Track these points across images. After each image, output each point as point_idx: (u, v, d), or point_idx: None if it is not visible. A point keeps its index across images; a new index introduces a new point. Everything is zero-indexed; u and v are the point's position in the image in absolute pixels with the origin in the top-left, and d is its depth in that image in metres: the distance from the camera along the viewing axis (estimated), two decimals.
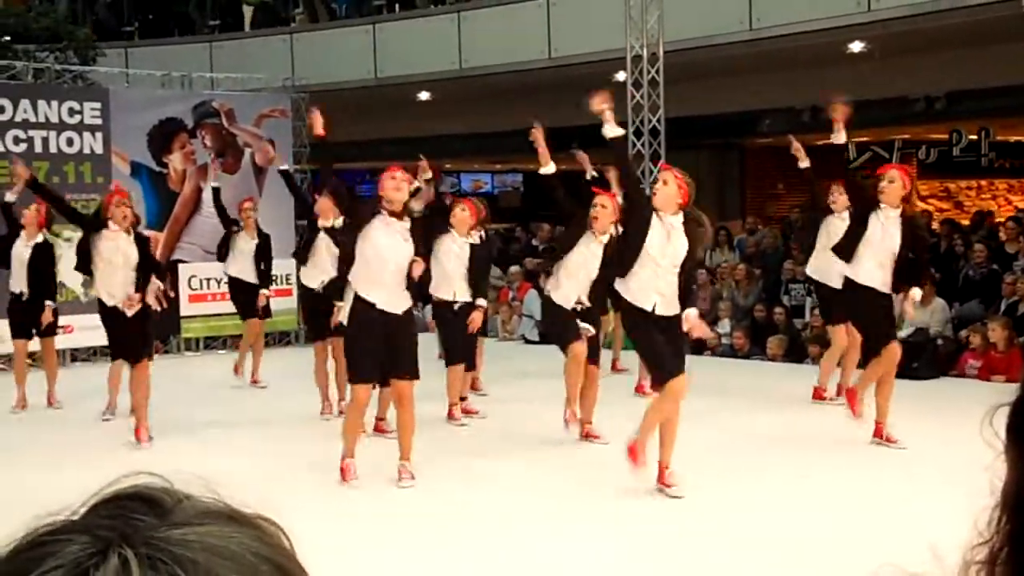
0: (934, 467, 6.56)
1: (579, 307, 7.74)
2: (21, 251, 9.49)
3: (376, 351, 6.53)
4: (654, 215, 6.15)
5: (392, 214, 6.51)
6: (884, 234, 7.28)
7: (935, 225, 14.95)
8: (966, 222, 15.68)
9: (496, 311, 13.97)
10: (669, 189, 6.19)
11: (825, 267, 8.52)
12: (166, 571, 0.62)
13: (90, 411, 9.15)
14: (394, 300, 6.54)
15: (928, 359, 10.20)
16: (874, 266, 7.32)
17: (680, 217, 6.18)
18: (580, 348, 7.61)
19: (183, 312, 12.53)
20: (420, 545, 5.53)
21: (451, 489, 6.59)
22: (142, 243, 8.14)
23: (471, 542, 5.58)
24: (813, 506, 6.12)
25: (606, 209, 7.71)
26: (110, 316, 7.99)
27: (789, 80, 15.35)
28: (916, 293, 7.54)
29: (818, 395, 8.94)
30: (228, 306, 12.02)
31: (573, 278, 7.74)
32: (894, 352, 7.36)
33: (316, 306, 8.75)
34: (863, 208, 7.52)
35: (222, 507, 0.69)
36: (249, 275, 10.62)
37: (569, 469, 6.95)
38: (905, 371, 7.87)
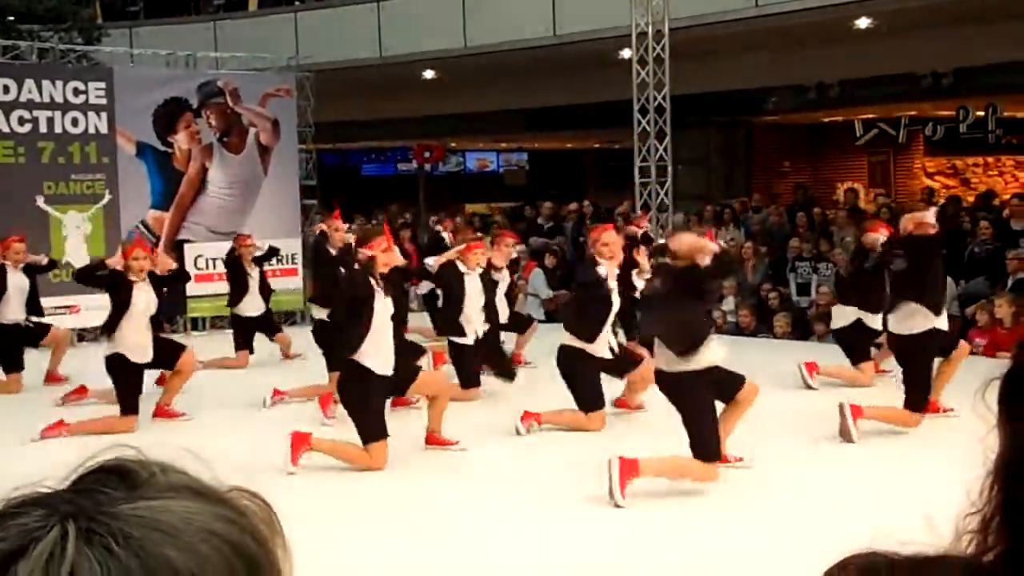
0: (937, 442, 6.57)
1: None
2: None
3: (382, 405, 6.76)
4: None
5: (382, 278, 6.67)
6: None
7: (940, 200, 14.93)
8: (972, 199, 15.65)
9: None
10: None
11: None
12: (99, 543, 0.64)
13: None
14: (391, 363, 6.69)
15: None
16: None
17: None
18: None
19: (189, 292, 12.54)
20: (401, 530, 5.55)
21: (437, 476, 6.61)
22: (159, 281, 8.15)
23: (459, 529, 5.61)
24: (811, 480, 6.16)
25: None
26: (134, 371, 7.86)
27: (795, 57, 15.30)
28: None
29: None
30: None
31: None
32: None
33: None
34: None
35: (191, 482, 0.70)
36: None
37: (559, 457, 6.96)
38: None
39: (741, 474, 6.23)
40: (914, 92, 15.82)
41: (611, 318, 7.55)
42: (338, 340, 6.93)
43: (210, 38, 16.73)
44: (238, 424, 7.98)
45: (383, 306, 6.60)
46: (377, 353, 6.55)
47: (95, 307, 11.51)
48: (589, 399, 7.46)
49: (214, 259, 12.85)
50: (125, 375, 7.80)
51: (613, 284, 7.54)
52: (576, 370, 7.49)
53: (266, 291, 10.68)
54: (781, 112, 18.01)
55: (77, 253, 12.03)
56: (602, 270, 7.37)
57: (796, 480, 6.19)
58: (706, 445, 5.77)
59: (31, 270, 9.90)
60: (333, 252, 9.34)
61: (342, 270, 7.69)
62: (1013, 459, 0.83)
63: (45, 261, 10.27)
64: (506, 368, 8.91)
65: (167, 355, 8.10)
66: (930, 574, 0.82)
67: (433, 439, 7.08)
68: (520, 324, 10.19)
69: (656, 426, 6.99)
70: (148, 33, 17.32)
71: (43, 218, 12.12)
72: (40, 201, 9.65)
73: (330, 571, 4.62)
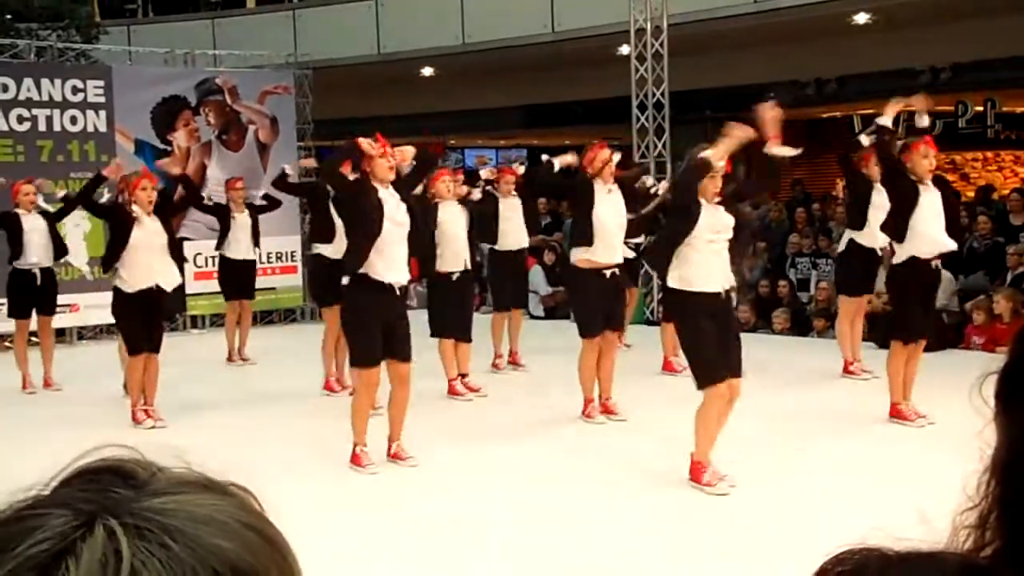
0: (933, 437, 6.59)
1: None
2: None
3: (378, 331, 6.38)
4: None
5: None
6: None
7: None
8: (972, 194, 15.63)
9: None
10: None
11: None
12: (155, 540, 0.62)
13: (98, 391, 9.16)
14: (401, 273, 6.41)
15: (933, 332, 10.18)
16: None
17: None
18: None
19: (189, 290, 12.54)
20: (420, 531, 5.56)
21: (452, 473, 6.59)
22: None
23: (471, 529, 5.61)
24: (805, 474, 6.18)
25: None
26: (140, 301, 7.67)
27: (794, 52, 15.29)
28: None
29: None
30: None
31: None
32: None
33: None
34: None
35: (197, 476, 0.69)
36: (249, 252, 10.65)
37: (573, 452, 6.96)
38: None
39: (735, 469, 6.23)
40: (912, 87, 15.75)
41: None
42: (344, 255, 6.59)
43: (208, 36, 16.71)
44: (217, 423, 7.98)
45: (393, 214, 6.30)
46: (387, 266, 6.26)
47: (94, 305, 11.53)
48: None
49: (213, 257, 12.84)
50: (126, 313, 7.72)
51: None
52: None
53: (256, 237, 10.64)
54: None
55: (76, 252, 12.02)
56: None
57: (790, 475, 6.19)
58: (696, 370, 5.84)
59: (47, 214, 9.58)
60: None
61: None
62: (1010, 454, 0.83)
63: (59, 193, 9.98)
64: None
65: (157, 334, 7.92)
66: (925, 570, 0.82)
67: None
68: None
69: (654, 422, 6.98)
70: (146, 31, 17.30)
71: None
72: (40, 199, 9.60)
73: (327, 563, 4.62)
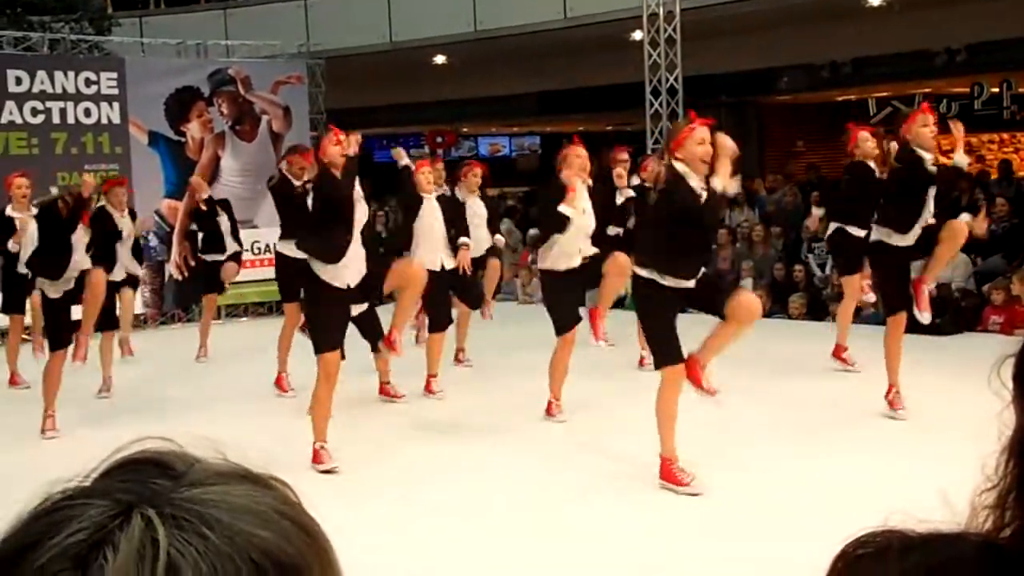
0: (952, 419, 6.55)
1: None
2: None
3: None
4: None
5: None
6: None
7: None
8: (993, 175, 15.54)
9: (516, 274, 13.96)
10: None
11: None
12: (192, 530, 0.62)
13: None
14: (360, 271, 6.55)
15: (951, 314, 10.15)
16: None
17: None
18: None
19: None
20: (398, 528, 5.57)
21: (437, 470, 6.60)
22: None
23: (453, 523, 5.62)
24: (825, 458, 6.15)
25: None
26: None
27: (807, 36, 15.21)
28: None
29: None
30: (249, 274, 12.10)
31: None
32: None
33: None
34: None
35: (236, 467, 0.69)
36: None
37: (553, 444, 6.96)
38: (928, 327, 7.79)
39: (754, 451, 6.23)
40: (928, 69, 15.71)
41: None
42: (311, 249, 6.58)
43: (220, 26, 16.73)
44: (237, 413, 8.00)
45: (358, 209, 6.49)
46: (346, 263, 6.41)
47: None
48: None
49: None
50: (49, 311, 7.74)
51: None
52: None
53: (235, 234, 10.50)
54: (793, 92, 17.92)
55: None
56: None
57: (810, 458, 6.18)
58: (656, 354, 5.77)
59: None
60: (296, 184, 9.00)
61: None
62: None
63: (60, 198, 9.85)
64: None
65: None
66: (947, 551, 0.82)
67: (384, 389, 7.09)
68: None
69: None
70: (158, 22, 17.34)
71: None
72: (54, 192, 9.59)
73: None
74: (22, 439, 7.32)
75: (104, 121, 12.66)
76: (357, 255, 6.50)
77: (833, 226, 8.36)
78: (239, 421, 7.41)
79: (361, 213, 6.56)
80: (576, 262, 7.28)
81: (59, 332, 7.63)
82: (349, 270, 6.45)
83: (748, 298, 5.84)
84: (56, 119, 12.35)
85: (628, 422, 6.24)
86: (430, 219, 8.20)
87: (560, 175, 7.18)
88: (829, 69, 16.48)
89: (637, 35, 13.51)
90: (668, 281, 5.65)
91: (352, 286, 6.48)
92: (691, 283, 5.70)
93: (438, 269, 8.02)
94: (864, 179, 7.81)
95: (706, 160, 5.51)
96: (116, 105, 12.73)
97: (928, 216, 6.93)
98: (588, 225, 7.27)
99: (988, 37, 14.38)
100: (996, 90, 16.40)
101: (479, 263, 9.11)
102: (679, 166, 5.54)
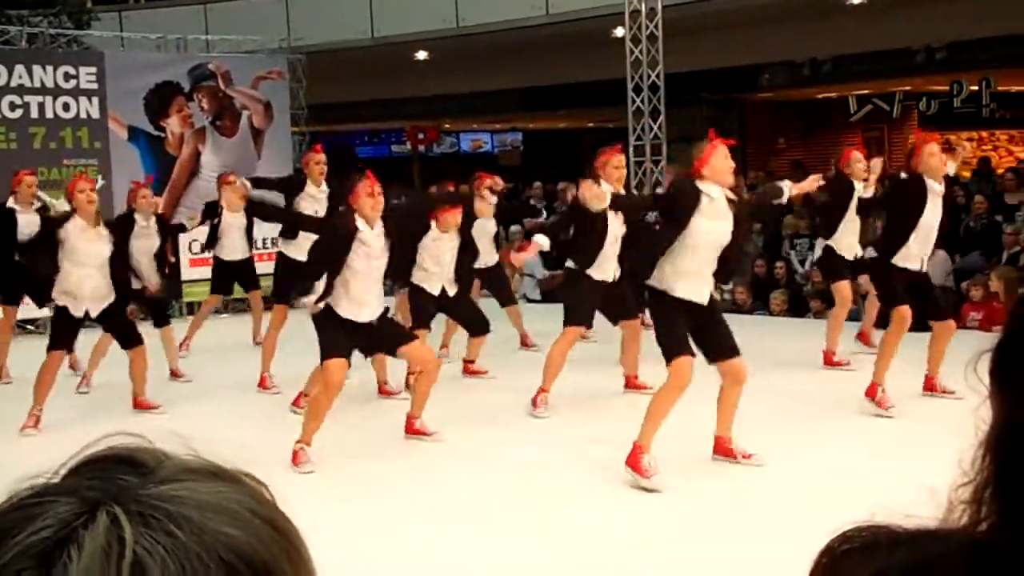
0: (939, 416, 6.58)
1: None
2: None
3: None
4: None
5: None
6: None
7: None
8: (967, 174, 15.62)
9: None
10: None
11: None
12: (160, 527, 0.61)
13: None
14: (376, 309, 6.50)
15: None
16: None
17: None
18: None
19: (184, 276, 12.53)
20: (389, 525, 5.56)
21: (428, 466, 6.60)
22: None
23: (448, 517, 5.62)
24: (811, 454, 6.17)
25: None
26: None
27: (788, 33, 15.25)
28: None
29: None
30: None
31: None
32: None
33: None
34: None
35: (206, 464, 0.68)
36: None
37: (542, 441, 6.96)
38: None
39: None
40: (908, 67, 15.78)
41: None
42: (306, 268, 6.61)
43: (200, 21, 16.63)
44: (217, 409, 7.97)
45: (368, 249, 6.32)
46: (350, 298, 6.31)
47: None
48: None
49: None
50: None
51: None
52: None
53: (248, 236, 10.30)
54: (774, 89, 17.97)
55: None
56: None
57: (796, 455, 6.19)
58: (664, 348, 5.82)
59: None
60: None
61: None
62: (1005, 430, 0.83)
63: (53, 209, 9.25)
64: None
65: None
66: (934, 547, 0.81)
67: (412, 428, 6.84)
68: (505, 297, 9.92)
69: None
70: (138, 16, 17.22)
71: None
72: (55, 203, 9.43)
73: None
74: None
75: (83, 116, 12.59)
76: (375, 296, 6.43)
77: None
78: (220, 419, 7.39)
79: (382, 258, 6.41)
80: (610, 276, 7.50)
81: (63, 334, 7.50)
82: (365, 309, 6.39)
83: (740, 364, 5.93)
84: (35, 114, 12.27)
85: (628, 422, 6.24)
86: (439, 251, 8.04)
87: (597, 178, 7.00)
88: (810, 66, 16.53)
89: (619, 32, 13.52)
90: (679, 294, 5.81)
91: (369, 321, 6.40)
92: (702, 299, 5.89)
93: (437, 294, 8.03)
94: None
95: (730, 174, 5.86)
96: (95, 100, 12.66)
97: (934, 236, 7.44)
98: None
99: (968, 35, 14.46)
100: (975, 88, 16.50)
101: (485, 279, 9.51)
102: (703, 185, 5.76)
